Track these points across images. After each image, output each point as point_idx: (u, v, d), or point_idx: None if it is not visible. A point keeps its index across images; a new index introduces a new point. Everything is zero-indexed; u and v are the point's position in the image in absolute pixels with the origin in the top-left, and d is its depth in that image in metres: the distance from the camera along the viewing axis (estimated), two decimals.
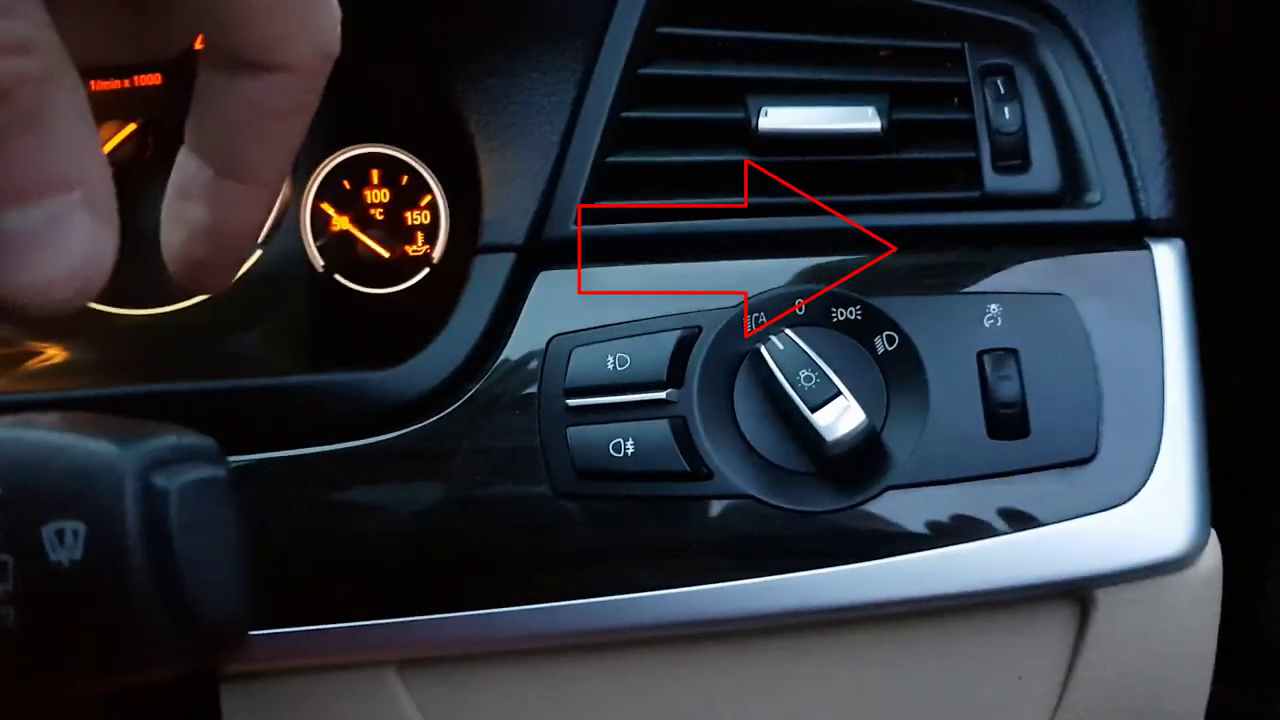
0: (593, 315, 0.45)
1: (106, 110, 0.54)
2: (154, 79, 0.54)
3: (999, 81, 0.47)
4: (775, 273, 0.44)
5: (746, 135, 0.46)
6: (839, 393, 0.41)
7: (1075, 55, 0.47)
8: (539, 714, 0.47)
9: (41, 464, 0.25)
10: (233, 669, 0.46)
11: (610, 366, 0.44)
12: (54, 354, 0.54)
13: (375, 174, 0.54)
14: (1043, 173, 0.46)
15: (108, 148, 0.53)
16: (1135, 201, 0.45)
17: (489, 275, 0.45)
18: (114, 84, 0.54)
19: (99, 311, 0.55)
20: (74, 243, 0.28)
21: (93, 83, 0.54)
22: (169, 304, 0.55)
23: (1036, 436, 0.42)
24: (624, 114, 0.46)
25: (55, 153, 0.26)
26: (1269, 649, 0.74)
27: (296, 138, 0.32)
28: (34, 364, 0.53)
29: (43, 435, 0.26)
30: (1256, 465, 0.70)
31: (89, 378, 0.54)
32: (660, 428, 0.43)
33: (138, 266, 0.55)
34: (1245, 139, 0.64)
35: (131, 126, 0.54)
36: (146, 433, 0.26)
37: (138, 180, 0.54)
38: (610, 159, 0.46)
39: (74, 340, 0.55)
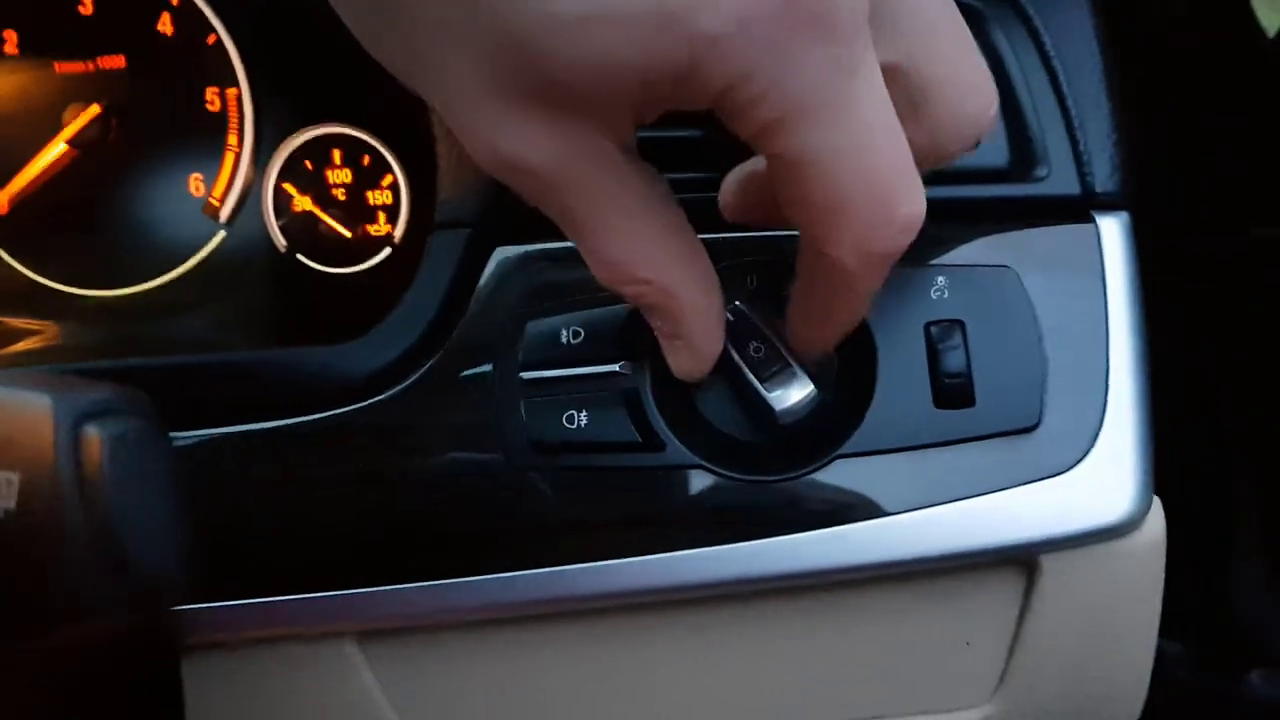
0: (548, 290, 0.45)
1: (71, 92, 0.54)
2: (118, 61, 0.55)
3: None
4: (730, 246, 0.45)
5: (708, 111, 0.46)
6: (788, 364, 0.42)
7: (1024, 32, 0.47)
8: (497, 682, 0.47)
9: None
10: (193, 641, 0.46)
11: (564, 340, 0.44)
12: (17, 335, 0.55)
13: (337, 154, 0.54)
14: (991, 148, 0.46)
15: (70, 131, 0.54)
16: (1081, 176, 0.46)
17: (445, 251, 0.46)
18: (78, 66, 0.55)
19: (62, 292, 0.56)
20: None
21: (56, 64, 0.54)
22: (132, 285, 0.55)
23: (982, 406, 0.43)
24: None
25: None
26: (1236, 630, 0.75)
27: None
28: None
29: None
30: (1214, 446, 0.71)
31: (52, 358, 0.54)
32: (612, 399, 0.43)
33: (101, 247, 0.56)
34: (1201, 113, 0.65)
35: (95, 109, 0.54)
36: (80, 386, 0.27)
37: (101, 162, 0.55)
38: None
39: (36, 321, 0.55)
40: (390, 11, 0.30)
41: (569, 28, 0.27)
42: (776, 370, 0.42)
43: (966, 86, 0.34)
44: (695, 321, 0.37)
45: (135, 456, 0.27)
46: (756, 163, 0.40)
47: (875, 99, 0.30)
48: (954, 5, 0.33)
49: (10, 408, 0.26)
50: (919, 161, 0.34)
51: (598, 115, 0.30)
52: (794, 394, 0.42)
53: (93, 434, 0.26)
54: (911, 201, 0.31)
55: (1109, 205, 0.45)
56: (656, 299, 0.35)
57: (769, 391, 0.42)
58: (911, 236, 0.32)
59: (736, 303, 0.43)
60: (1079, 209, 0.45)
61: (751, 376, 0.42)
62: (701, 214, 0.45)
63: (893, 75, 0.32)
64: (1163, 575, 0.45)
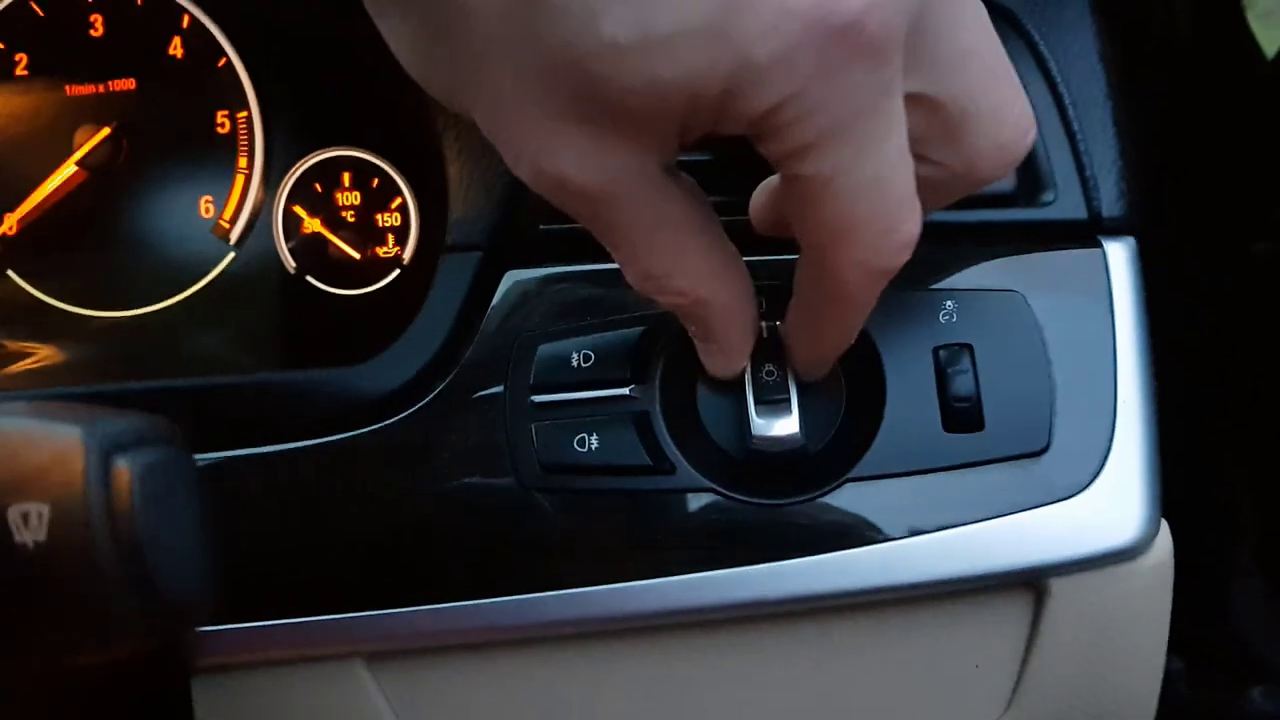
0: (559, 313, 0.46)
1: (81, 114, 0.55)
2: (129, 84, 0.55)
3: None
4: None
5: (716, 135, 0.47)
6: (788, 399, 0.42)
7: (1029, 55, 0.47)
8: (507, 704, 0.47)
9: (4, 448, 0.26)
10: (204, 663, 0.46)
11: (575, 363, 0.44)
12: (27, 356, 0.55)
13: (346, 177, 0.55)
14: None
15: (81, 153, 0.54)
16: (1088, 200, 0.46)
17: (456, 274, 0.46)
18: (89, 88, 0.55)
19: (72, 313, 0.56)
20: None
21: (67, 86, 0.55)
22: (141, 306, 0.56)
23: (991, 430, 0.43)
24: None
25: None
26: (1237, 646, 0.75)
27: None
28: (6, 366, 0.53)
29: (6, 420, 0.26)
30: (1215, 463, 0.71)
31: (62, 379, 0.54)
32: (623, 422, 0.44)
33: (111, 268, 0.56)
34: (1202, 139, 0.65)
35: (106, 130, 0.54)
36: (108, 416, 0.27)
37: (112, 184, 0.55)
38: None
39: (48, 342, 0.55)
40: (440, 25, 0.30)
41: (623, 51, 0.27)
42: (777, 400, 0.42)
43: (1003, 115, 0.34)
44: (729, 330, 0.38)
45: (164, 486, 0.27)
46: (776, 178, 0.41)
47: (899, 127, 0.30)
48: (992, 31, 0.33)
49: (39, 439, 0.26)
50: (954, 188, 0.35)
51: (645, 135, 0.30)
52: (778, 428, 0.42)
53: (122, 465, 0.26)
54: (914, 223, 0.32)
55: (1116, 230, 0.46)
56: (692, 309, 0.37)
57: (757, 416, 0.42)
58: (909, 254, 0.33)
59: (774, 323, 0.43)
60: (1086, 233, 0.46)
61: (750, 394, 0.42)
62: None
63: (929, 105, 0.32)
64: (1170, 597, 0.46)
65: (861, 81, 0.28)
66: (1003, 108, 0.34)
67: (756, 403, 0.42)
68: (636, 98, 0.28)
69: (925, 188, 0.34)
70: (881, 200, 0.31)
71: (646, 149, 0.31)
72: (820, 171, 0.30)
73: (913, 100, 0.32)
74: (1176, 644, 0.47)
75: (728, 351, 0.40)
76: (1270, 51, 0.69)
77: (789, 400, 0.42)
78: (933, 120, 0.33)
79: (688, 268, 0.35)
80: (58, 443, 0.26)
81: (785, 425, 0.42)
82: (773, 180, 0.42)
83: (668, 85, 0.28)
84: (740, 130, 0.30)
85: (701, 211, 0.34)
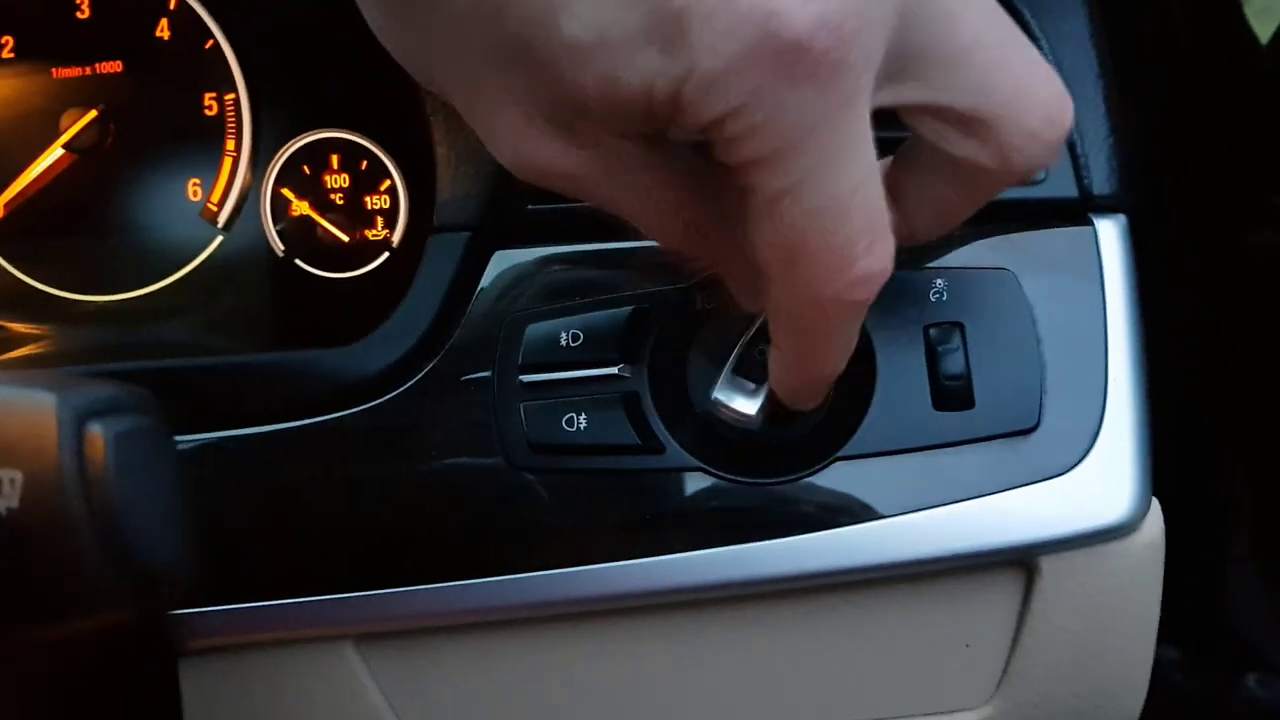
0: (548, 293, 0.45)
1: (68, 97, 0.54)
2: (115, 66, 0.55)
3: None
4: None
5: None
6: (763, 383, 0.41)
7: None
8: (497, 685, 0.47)
9: None
10: (191, 645, 0.46)
11: (564, 343, 0.44)
12: (14, 340, 0.55)
13: (335, 159, 0.54)
14: None
15: (68, 136, 0.54)
16: (1079, 178, 0.46)
17: (444, 254, 0.46)
18: (75, 71, 0.55)
19: (60, 297, 0.56)
20: None
21: (53, 69, 0.54)
22: (129, 290, 0.55)
23: (981, 408, 0.43)
24: None
25: None
26: (1232, 634, 0.75)
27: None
28: None
29: None
30: (1210, 450, 0.71)
31: (50, 363, 0.54)
32: (612, 402, 0.43)
33: (99, 252, 0.56)
34: (1196, 118, 0.65)
35: (93, 113, 0.54)
36: (83, 384, 0.27)
37: (99, 167, 0.55)
38: None
39: (37, 326, 0.55)
40: (420, 18, 0.31)
41: (581, 51, 0.28)
42: (753, 380, 0.42)
43: (1025, 103, 0.33)
44: (746, 281, 0.38)
45: (139, 453, 0.27)
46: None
47: (860, 148, 0.30)
48: (1002, 16, 0.32)
49: (13, 406, 0.26)
50: (995, 182, 0.34)
51: (610, 126, 0.31)
52: (739, 403, 0.41)
53: (96, 431, 0.26)
54: (875, 257, 0.31)
55: (1107, 208, 0.46)
56: (715, 270, 0.37)
57: (726, 383, 0.42)
58: (869, 293, 0.31)
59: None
60: (1077, 212, 0.46)
61: (729, 366, 0.42)
62: None
63: (935, 110, 0.32)
64: (1162, 576, 0.45)
65: (811, 100, 0.27)
66: (1022, 95, 0.33)
67: (733, 371, 0.42)
68: (595, 96, 0.29)
69: (967, 186, 0.34)
70: (835, 229, 0.30)
71: (624, 134, 0.31)
72: (768, 188, 0.29)
73: (918, 109, 0.32)
74: (1171, 632, 0.47)
75: (742, 295, 0.39)
76: (1264, 38, 0.69)
77: (762, 386, 0.41)
78: (946, 122, 0.32)
79: (693, 236, 0.35)
80: (31, 409, 0.25)
81: (746, 404, 0.41)
82: None
83: (623, 86, 0.28)
84: (693, 135, 0.30)
85: (696, 180, 0.34)
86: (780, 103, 0.27)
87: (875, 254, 0.31)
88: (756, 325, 0.42)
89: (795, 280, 0.31)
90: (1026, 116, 0.33)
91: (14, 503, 0.25)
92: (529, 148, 0.31)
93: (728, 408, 0.41)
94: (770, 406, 0.41)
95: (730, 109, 0.28)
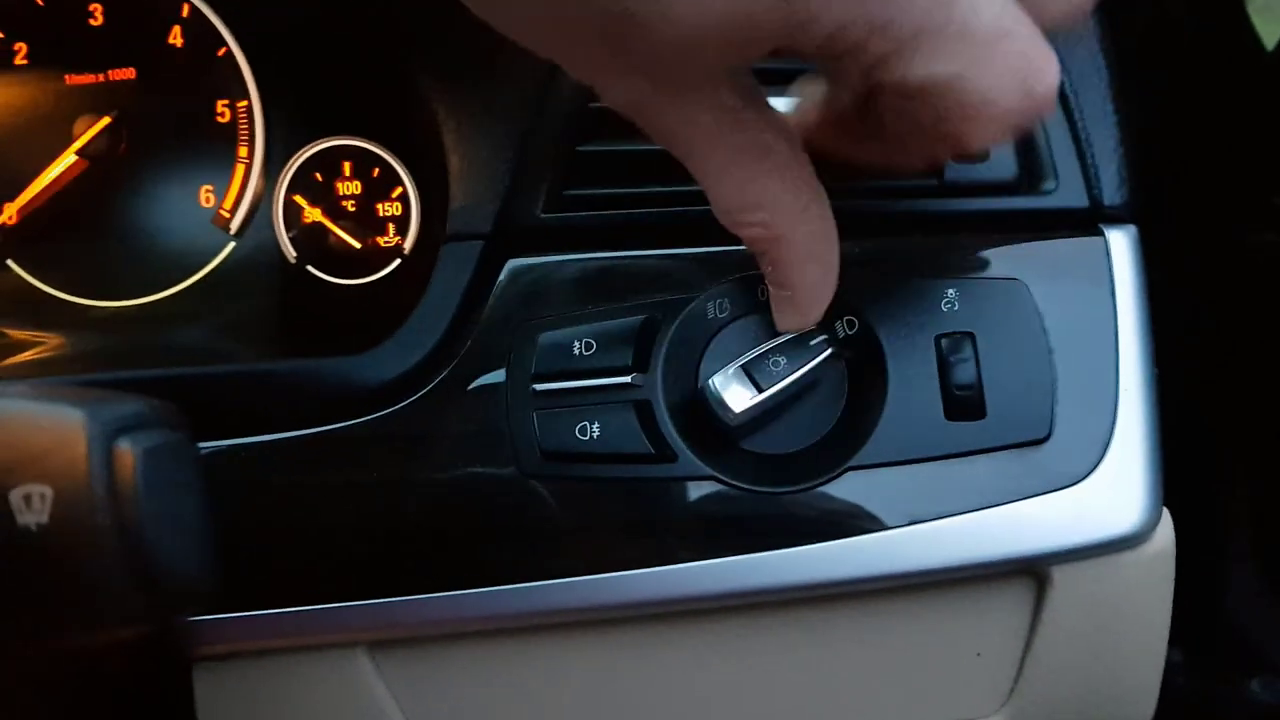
0: (560, 301, 0.46)
1: (81, 103, 0.55)
2: (128, 73, 0.55)
3: None
4: (740, 259, 0.45)
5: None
6: (766, 390, 0.41)
7: None
8: (509, 692, 0.47)
9: (9, 430, 0.26)
10: (205, 651, 0.46)
11: (576, 351, 0.44)
12: (27, 346, 0.55)
13: (347, 166, 0.54)
14: (1000, 161, 0.47)
15: (81, 142, 0.54)
16: (1089, 189, 0.46)
17: (457, 263, 0.46)
18: (88, 78, 0.55)
19: (72, 303, 0.56)
20: None
21: (67, 76, 0.55)
22: (141, 296, 0.56)
23: (993, 418, 0.43)
24: (592, 103, 0.47)
25: None
26: (1235, 637, 0.75)
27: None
28: (7, 356, 0.53)
29: (10, 403, 0.26)
30: (1214, 456, 0.71)
31: (62, 368, 0.54)
32: (625, 410, 0.44)
33: (111, 258, 0.56)
34: (1202, 130, 0.65)
35: (106, 120, 0.54)
36: (112, 400, 0.27)
37: (111, 174, 0.55)
38: (580, 147, 0.47)
39: (48, 332, 0.55)
40: None
41: None
42: (755, 388, 0.42)
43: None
44: (805, 272, 0.38)
45: (167, 469, 0.27)
46: (831, 99, 0.38)
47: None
48: None
49: (43, 421, 0.26)
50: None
51: (708, 65, 0.30)
52: (731, 396, 0.41)
53: (125, 448, 0.26)
54: (1047, 76, 0.30)
55: (1117, 218, 0.46)
56: (770, 247, 0.36)
57: (727, 373, 0.42)
58: (1051, 107, 0.31)
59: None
60: (1087, 222, 0.46)
61: (740, 361, 0.42)
62: (712, 228, 0.46)
63: None
64: (1172, 585, 0.46)
65: None
66: None
67: (741, 368, 0.42)
68: (698, 29, 0.28)
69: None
70: (1000, 81, 0.29)
71: (713, 77, 0.31)
72: (916, 77, 0.29)
73: None
74: (1175, 635, 0.47)
75: (802, 301, 0.39)
76: (1270, 43, 0.69)
77: (764, 391, 0.41)
78: None
79: (764, 200, 0.34)
80: (61, 425, 0.26)
81: (739, 398, 0.41)
82: (829, 96, 0.39)
83: (732, 14, 0.27)
84: (811, 52, 0.29)
85: (784, 143, 0.34)
86: None
87: (1048, 73, 0.30)
88: (784, 339, 0.42)
89: (985, 132, 0.31)
90: None
91: (44, 518, 0.25)
92: (614, 90, 0.31)
93: (716, 396, 0.41)
94: None
95: (852, 14, 0.27)
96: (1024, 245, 0.45)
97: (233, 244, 0.55)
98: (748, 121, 0.33)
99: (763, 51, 0.29)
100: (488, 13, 0.31)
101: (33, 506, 0.25)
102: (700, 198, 0.46)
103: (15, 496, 0.25)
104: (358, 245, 0.54)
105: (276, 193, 0.55)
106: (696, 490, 0.44)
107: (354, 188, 0.54)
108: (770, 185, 0.34)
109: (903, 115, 0.31)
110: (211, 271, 0.55)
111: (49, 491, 0.25)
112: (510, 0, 0.30)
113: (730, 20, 0.28)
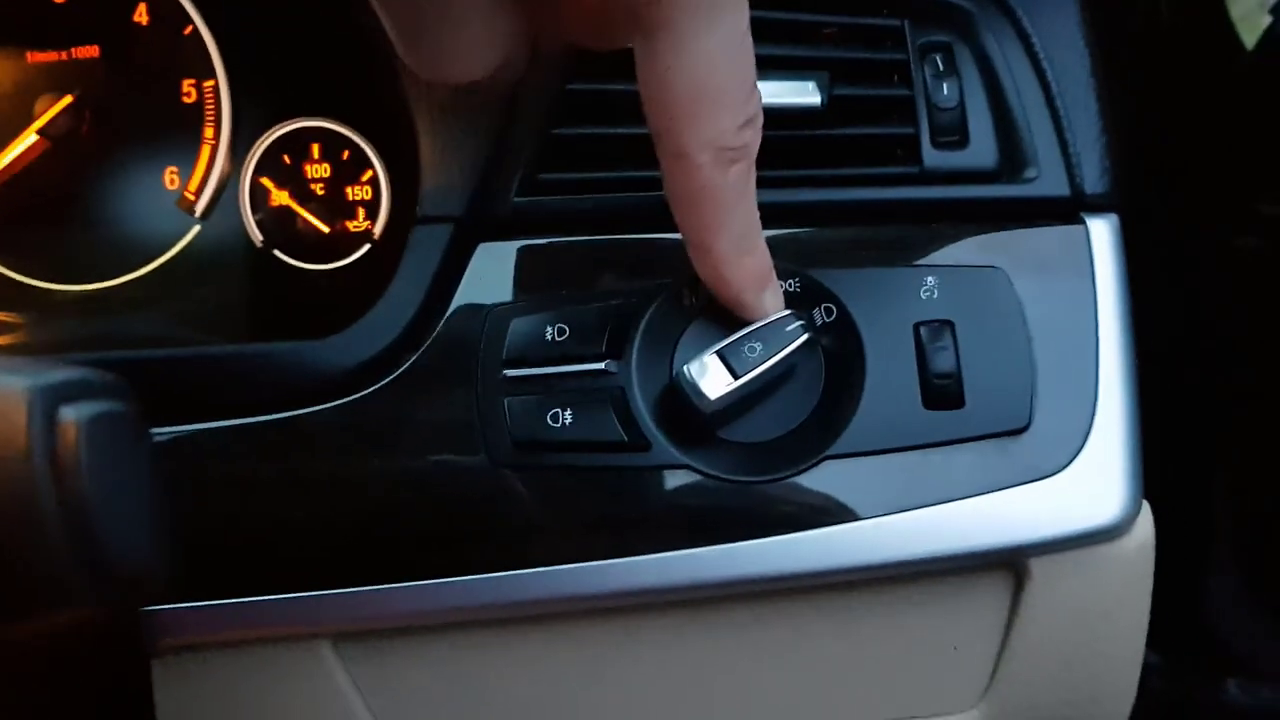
0: (533, 287, 0.45)
1: (43, 82, 0.53)
2: (92, 51, 0.54)
3: (938, 59, 0.47)
4: None
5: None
6: (741, 377, 0.40)
7: (1014, 34, 0.47)
8: (476, 684, 0.46)
9: None
10: (164, 643, 0.45)
11: (549, 337, 0.43)
12: None
13: (316, 148, 0.53)
14: (981, 149, 0.46)
15: (41, 122, 0.53)
16: (1071, 177, 0.45)
17: (428, 246, 0.45)
18: (51, 55, 0.54)
19: (35, 287, 0.55)
20: None
21: (28, 53, 0.53)
22: (104, 279, 0.54)
23: (972, 407, 0.42)
24: (570, 86, 0.46)
25: None
26: (1214, 640, 0.75)
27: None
28: None
29: None
30: (1194, 456, 0.71)
31: (23, 352, 0.53)
32: (598, 397, 0.43)
33: (74, 241, 0.55)
34: (1180, 122, 0.65)
35: (68, 99, 0.53)
36: (54, 368, 0.26)
37: (74, 155, 0.54)
38: (556, 130, 0.46)
39: (7, 315, 0.54)
40: None
41: None
42: (734, 372, 0.41)
43: None
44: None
45: (111, 440, 0.26)
46: None
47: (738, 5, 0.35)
48: None
49: None
50: None
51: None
52: (706, 382, 0.40)
53: (68, 417, 0.25)
54: (753, 103, 0.37)
55: (1098, 207, 0.45)
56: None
57: (700, 360, 0.40)
58: (753, 140, 0.37)
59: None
60: (1069, 210, 0.45)
61: (717, 346, 0.41)
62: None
63: None
64: (1151, 579, 0.45)
65: None
66: None
67: (716, 354, 0.41)
68: None
69: None
70: (730, 70, 0.35)
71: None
72: (670, 39, 0.34)
73: None
74: (1153, 637, 0.47)
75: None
76: (1250, 43, 0.69)
77: (740, 378, 0.40)
78: None
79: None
80: (0, 393, 0.24)
81: (714, 385, 0.40)
82: None
83: None
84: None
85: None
86: None
87: (755, 100, 0.37)
88: (759, 325, 0.41)
89: (691, 127, 0.36)
90: None
91: None
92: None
93: (691, 382, 0.40)
94: None
95: None
96: (1004, 233, 0.44)
97: (198, 227, 0.54)
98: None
99: None
100: None
101: None
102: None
103: None
104: (326, 229, 0.53)
105: (243, 175, 0.53)
106: (671, 479, 0.43)
107: (323, 170, 0.53)
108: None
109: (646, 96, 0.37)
110: (176, 255, 0.54)
111: None
112: None
113: None
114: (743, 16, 0.35)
